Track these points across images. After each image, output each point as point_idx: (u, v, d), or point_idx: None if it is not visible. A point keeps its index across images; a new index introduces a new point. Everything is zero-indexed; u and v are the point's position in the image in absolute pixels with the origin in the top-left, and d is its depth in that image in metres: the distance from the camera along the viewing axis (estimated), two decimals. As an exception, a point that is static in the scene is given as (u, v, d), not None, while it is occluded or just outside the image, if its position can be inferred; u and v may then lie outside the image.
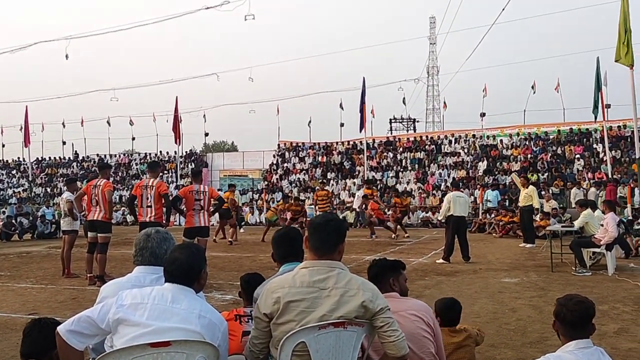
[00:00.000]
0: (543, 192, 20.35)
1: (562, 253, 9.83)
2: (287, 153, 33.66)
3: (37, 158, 39.45)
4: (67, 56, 26.34)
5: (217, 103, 52.33)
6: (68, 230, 9.70)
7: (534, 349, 4.76)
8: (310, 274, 2.46)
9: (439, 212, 14.89)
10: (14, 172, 38.72)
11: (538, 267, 9.70)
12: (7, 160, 40.61)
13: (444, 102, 37.49)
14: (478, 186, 23.70)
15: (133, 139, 39.18)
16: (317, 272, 2.47)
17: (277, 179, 30.40)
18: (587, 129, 26.95)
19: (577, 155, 25.04)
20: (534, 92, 30.47)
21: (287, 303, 2.39)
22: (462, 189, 15.98)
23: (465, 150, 28.67)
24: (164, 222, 8.35)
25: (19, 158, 39.90)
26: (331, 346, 2.38)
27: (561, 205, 17.90)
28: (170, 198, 8.55)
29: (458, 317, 3.56)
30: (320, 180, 20.61)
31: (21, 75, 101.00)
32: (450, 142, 29.93)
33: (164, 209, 8.39)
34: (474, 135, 29.86)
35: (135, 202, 8.32)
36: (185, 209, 8.67)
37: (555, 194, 20.97)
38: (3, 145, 40.38)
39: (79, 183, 16.76)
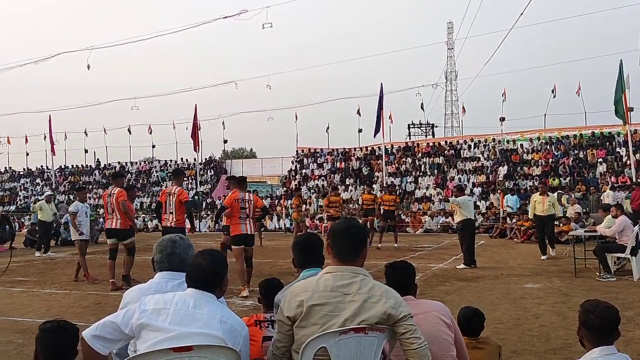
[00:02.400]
0: (566, 196, 20.10)
1: (586, 258, 9.67)
2: (305, 159, 33.72)
3: (60, 166, 40.13)
4: (88, 66, 26.83)
5: (236, 110, 52.71)
6: (76, 239, 10.25)
7: (557, 356, 4.70)
8: (334, 279, 2.46)
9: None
10: (37, 180, 39.44)
11: (561, 273, 9.56)
12: (30, 169, 41.38)
13: (463, 107, 37.28)
14: (498, 191, 23.47)
15: (153, 146, 39.69)
16: (341, 278, 2.47)
17: (295, 185, 30.47)
18: (609, 133, 26.55)
19: (600, 159, 24.66)
20: (554, 96, 30.13)
21: (310, 307, 2.40)
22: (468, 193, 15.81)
23: (485, 155, 28.42)
24: (186, 227, 8.77)
25: (42, 166, 40.65)
26: (352, 352, 2.38)
27: (584, 210, 17.63)
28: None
29: (481, 327, 3.52)
30: (333, 186, 20.44)
31: (45, 85, 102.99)
32: (469, 147, 29.70)
33: (186, 216, 8.76)
34: (493, 140, 29.58)
35: (161, 209, 8.72)
36: (229, 217, 8.45)
37: (577, 198, 20.67)
38: (28, 154, 41.19)
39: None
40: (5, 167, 42.80)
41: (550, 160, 25.90)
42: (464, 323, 3.35)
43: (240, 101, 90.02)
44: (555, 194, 14.01)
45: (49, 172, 38.21)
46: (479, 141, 29.95)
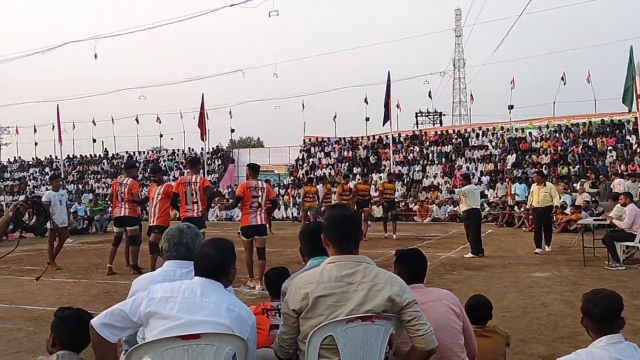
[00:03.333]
0: (576, 185, 20.00)
1: (595, 247, 9.63)
2: (312, 148, 33.69)
3: (68, 155, 40.32)
4: (95, 55, 26.85)
5: (243, 99, 52.71)
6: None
7: (565, 344, 4.69)
8: (337, 269, 2.45)
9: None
10: (46, 169, 39.67)
11: (570, 262, 9.53)
12: (39, 158, 41.63)
13: (471, 95, 36.99)
14: (507, 179, 23.37)
15: (161, 136, 39.80)
16: (345, 267, 2.46)
17: (302, 174, 30.46)
18: (619, 120, 26.25)
19: (610, 147, 24.45)
20: (565, 84, 29.82)
21: (316, 298, 2.39)
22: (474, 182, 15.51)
23: (493, 143, 28.27)
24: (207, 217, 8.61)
25: (50, 156, 40.87)
26: (359, 340, 2.39)
27: (593, 199, 17.53)
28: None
29: (489, 316, 3.51)
30: (344, 174, 20.08)
31: (52, 74, 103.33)
32: (477, 135, 29.54)
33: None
34: (502, 128, 29.38)
35: (178, 199, 8.13)
36: (241, 206, 8.05)
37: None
38: (36, 144, 41.41)
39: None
40: (15, 157, 43.09)
41: (559, 148, 25.71)
42: (471, 311, 3.34)
43: (247, 90, 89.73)
44: (553, 185, 12.54)
45: (58, 162, 38.43)
46: (487, 129, 29.75)
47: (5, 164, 42.70)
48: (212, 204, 27.43)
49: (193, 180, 8.09)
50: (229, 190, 28.49)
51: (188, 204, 7.98)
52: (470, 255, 10.52)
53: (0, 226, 3.55)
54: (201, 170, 32.32)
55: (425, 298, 2.75)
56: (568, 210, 16.08)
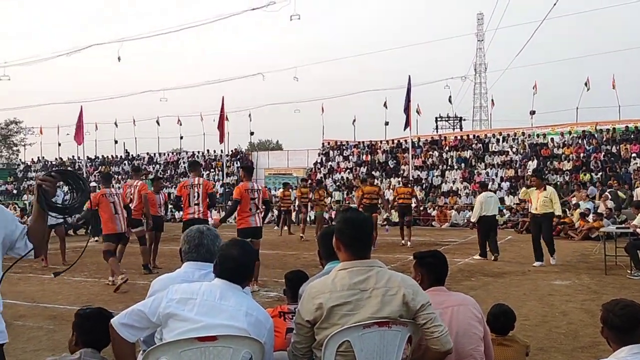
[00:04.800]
0: (597, 192, 19.68)
1: (617, 255, 9.46)
2: (331, 152, 33.69)
3: (87, 157, 40.93)
4: (119, 58, 27.27)
5: (263, 102, 52.89)
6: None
7: (585, 354, 4.62)
8: (349, 276, 2.41)
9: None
10: (69, 169, 40.32)
11: (591, 270, 9.37)
12: (62, 159, 42.31)
13: (492, 100, 36.68)
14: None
15: (181, 137, 40.16)
16: (357, 273, 2.42)
17: (320, 177, 30.47)
18: (644, 127, 25.81)
19: (634, 155, 24.01)
20: (588, 89, 29.39)
21: (330, 308, 2.35)
22: (490, 189, 15.13)
23: (514, 149, 27.96)
24: (209, 219, 8.74)
25: (73, 156, 41.52)
26: (376, 346, 2.36)
27: (615, 206, 17.23)
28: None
29: (510, 326, 3.45)
30: (362, 178, 19.13)
31: (77, 77, 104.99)
32: (498, 140, 29.25)
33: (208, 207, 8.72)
34: (523, 134, 29.06)
35: (181, 201, 8.47)
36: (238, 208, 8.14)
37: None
38: (59, 144, 42.11)
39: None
40: (38, 157, 43.86)
41: (582, 154, 25.33)
42: (494, 320, 3.30)
43: (267, 93, 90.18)
44: (553, 189, 11.39)
45: (80, 162, 39.00)
46: (508, 135, 29.44)
47: (29, 163, 43.48)
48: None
49: (196, 182, 8.36)
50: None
51: (191, 206, 8.25)
52: (478, 257, 10.97)
53: (35, 219, 2.55)
54: (213, 172, 32.70)
55: (449, 302, 2.72)
56: (590, 218, 15.83)
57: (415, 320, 2.40)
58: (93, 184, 19.74)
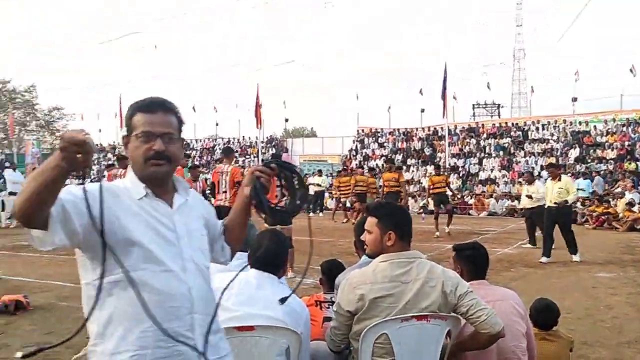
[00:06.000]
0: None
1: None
2: (366, 139, 33.51)
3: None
4: (155, 46, 27.66)
5: (297, 89, 53.13)
6: None
7: (631, 349, 4.47)
8: (391, 268, 2.39)
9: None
10: (109, 155, 41.34)
11: (637, 262, 9.06)
12: (103, 144, 43.43)
13: (531, 87, 35.70)
14: (569, 175, 22.45)
15: (217, 124, 40.69)
16: (398, 265, 2.40)
17: (356, 164, 30.33)
18: (694, 114, 24.74)
19: (682, 142, 23.08)
20: (634, 75, 28.27)
21: (372, 300, 2.35)
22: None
23: (555, 137, 27.21)
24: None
25: (114, 141, 42.57)
26: (414, 339, 2.34)
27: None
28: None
29: (554, 322, 3.33)
30: (395, 166, 17.17)
31: (116, 64, 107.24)
32: (537, 128, 28.51)
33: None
34: (564, 121, 28.23)
35: (215, 187, 8.61)
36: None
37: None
38: (100, 131, 43.20)
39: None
40: (80, 143, 45.11)
41: (627, 143, 24.46)
42: (536, 315, 3.20)
43: (302, 80, 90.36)
44: (570, 179, 11.22)
45: (120, 149, 39.90)
46: (549, 122, 28.66)
47: (71, 149, 44.79)
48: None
49: (225, 170, 8.40)
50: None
51: (220, 193, 8.38)
52: (528, 245, 10.95)
53: (238, 210, 2.01)
54: (248, 158, 32.97)
55: (491, 296, 2.65)
56: (636, 208, 15.30)
57: (458, 310, 2.37)
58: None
